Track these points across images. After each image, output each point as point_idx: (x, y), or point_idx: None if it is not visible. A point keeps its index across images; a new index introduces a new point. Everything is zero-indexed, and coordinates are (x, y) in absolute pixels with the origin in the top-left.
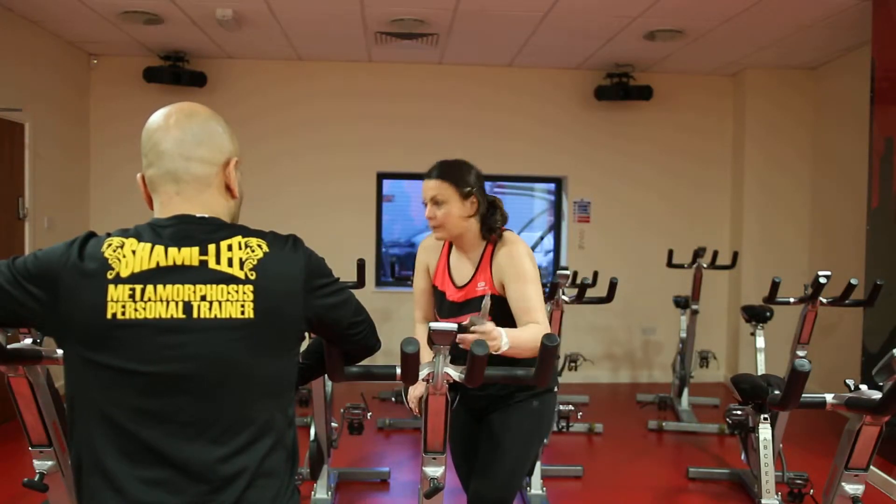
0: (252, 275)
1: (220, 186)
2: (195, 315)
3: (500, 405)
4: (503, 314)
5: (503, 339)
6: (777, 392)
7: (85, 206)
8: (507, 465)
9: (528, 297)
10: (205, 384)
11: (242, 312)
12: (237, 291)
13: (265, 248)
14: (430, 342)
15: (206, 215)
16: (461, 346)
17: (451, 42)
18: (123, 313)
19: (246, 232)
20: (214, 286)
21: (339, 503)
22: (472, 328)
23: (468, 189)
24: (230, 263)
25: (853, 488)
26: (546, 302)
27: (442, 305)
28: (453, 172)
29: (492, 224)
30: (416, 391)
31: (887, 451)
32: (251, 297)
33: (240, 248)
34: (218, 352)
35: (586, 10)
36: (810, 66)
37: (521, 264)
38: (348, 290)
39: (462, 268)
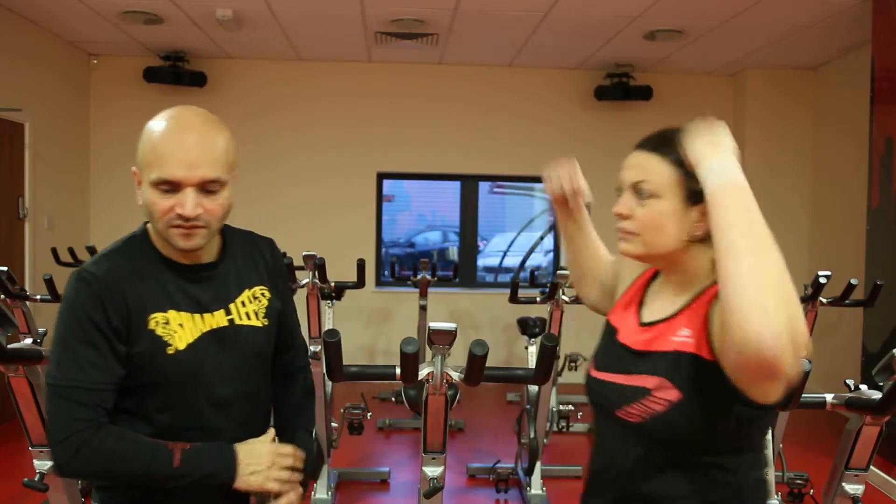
0: None
1: None
2: None
3: None
4: (702, 399)
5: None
6: None
7: (85, 206)
8: None
9: None
10: None
11: None
12: None
13: None
14: (430, 342)
15: None
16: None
17: (451, 42)
18: None
19: None
20: None
21: (339, 503)
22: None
23: (700, 190)
24: None
25: (853, 488)
26: (546, 302)
27: (607, 351)
28: (680, 150)
29: None
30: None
31: (887, 451)
32: None
33: None
34: None
35: (586, 11)
36: (810, 66)
37: None
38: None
39: (661, 299)
